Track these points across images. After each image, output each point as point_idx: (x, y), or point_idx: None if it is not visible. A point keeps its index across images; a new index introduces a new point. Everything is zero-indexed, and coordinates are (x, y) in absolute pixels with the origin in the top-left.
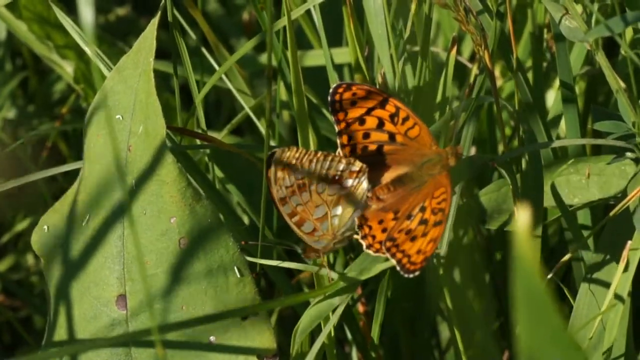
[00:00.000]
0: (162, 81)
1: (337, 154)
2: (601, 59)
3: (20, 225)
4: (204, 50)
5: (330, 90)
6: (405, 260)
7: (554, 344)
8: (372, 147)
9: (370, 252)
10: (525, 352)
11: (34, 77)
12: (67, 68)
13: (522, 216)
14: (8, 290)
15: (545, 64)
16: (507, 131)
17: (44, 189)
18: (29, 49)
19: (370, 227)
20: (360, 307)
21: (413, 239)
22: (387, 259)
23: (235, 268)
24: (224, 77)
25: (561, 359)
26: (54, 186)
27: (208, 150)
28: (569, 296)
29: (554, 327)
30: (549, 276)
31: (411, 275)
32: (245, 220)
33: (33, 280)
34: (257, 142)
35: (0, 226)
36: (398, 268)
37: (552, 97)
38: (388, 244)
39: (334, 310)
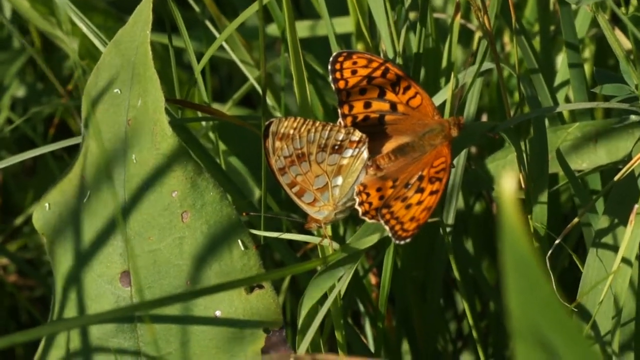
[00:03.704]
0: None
1: (337, 123)
2: (602, 21)
3: (33, 208)
4: (207, 22)
5: (331, 59)
6: (398, 227)
7: (543, 311)
8: (374, 116)
9: (366, 218)
10: (516, 319)
11: (42, 55)
12: (72, 44)
13: (507, 183)
14: (22, 271)
15: (553, 28)
16: (517, 97)
17: (54, 167)
18: (36, 27)
19: (368, 194)
20: (372, 279)
21: (408, 206)
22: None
23: (239, 241)
24: (227, 47)
25: (551, 325)
26: (63, 165)
27: (211, 123)
28: (578, 263)
29: (543, 293)
30: (557, 242)
31: (402, 242)
32: (257, 193)
33: (46, 259)
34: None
35: (13, 207)
36: (390, 235)
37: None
38: (383, 210)
39: (339, 280)
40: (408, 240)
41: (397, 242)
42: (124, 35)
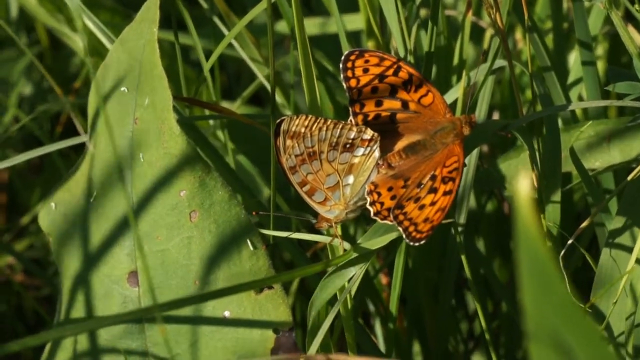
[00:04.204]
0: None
1: (348, 121)
2: (615, 18)
3: (40, 206)
4: (215, 19)
5: (342, 57)
6: (412, 228)
7: (559, 310)
8: (385, 115)
9: (377, 219)
10: (531, 319)
11: (49, 52)
12: (79, 42)
13: (523, 182)
14: (28, 270)
15: (567, 25)
16: (530, 95)
17: (61, 165)
18: (43, 25)
19: (379, 194)
20: (383, 279)
21: (421, 207)
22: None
23: (248, 241)
24: (236, 45)
25: (567, 324)
26: (70, 163)
27: (220, 122)
28: (591, 263)
29: (559, 293)
30: (570, 241)
31: (417, 244)
32: (266, 192)
33: (53, 258)
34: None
35: (19, 206)
36: (404, 236)
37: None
38: (396, 211)
39: (349, 281)
40: (422, 242)
41: (411, 243)
42: (130, 33)
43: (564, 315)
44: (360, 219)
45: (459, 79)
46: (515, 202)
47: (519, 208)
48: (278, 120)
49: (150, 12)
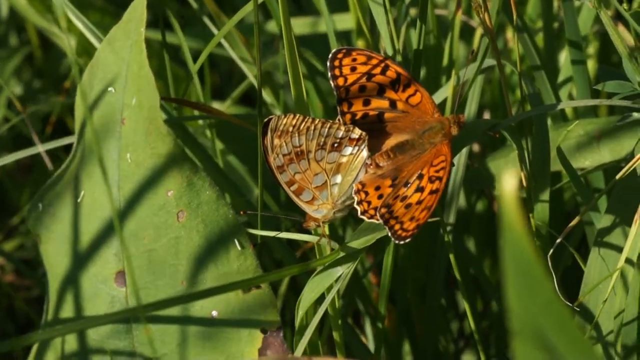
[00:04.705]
0: (172, 53)
1: (336, 120)
2: (604, 17)
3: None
4: (205, 19)
5: (330, 56)
6: (397, 227)
7: (544, 311)
8: (373, 114)
9: (364, 217)
10: (516, 318)
11: (39, 52)
12: (69, 42)
13: (508, 182)
14: (18, 271)
15: (557, 25)
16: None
17: (51, 166)
18: (34, 25)
19: (366, 193)
20: (373, 279)
21: (408, 206)
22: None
23: (236, 240)
24: (225, 45)
25: (552, 325)
26: (59, 163)
27: (209, 121)
28: (580, 262)
29: (544, 293)
30: (559, 240)
31: (402, 242)
32: (255, 191)
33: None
34: (266, 112)
35: (9, 206)
36: (390, 234)
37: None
38: (382, 210)
39: (337, 280)
40: (408, 240)
41: (397, 242)
42: (118, 33)
43: (549, 314)
44: (348, 219)
45: (448, 78)
46: (501, 201)
47: (504, 207)
48: (266, 120)
49: (137, 11)
